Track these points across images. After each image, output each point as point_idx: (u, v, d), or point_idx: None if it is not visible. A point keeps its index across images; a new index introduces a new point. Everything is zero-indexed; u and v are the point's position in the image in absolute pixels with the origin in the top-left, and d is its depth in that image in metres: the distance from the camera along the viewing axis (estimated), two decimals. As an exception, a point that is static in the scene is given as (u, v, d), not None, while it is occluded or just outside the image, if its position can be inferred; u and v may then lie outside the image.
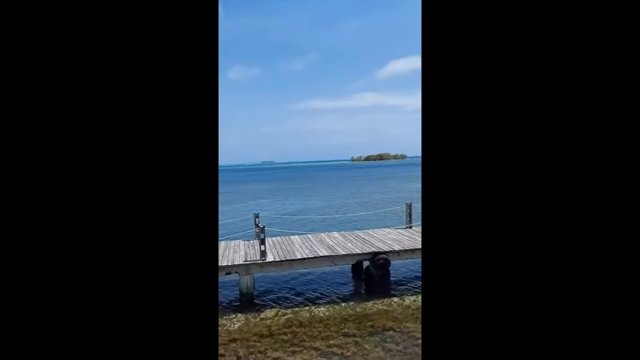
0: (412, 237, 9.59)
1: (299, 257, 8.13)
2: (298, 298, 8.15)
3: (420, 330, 6.30)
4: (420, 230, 10.41)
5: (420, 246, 8.63)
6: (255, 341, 6.10)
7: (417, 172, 65.41)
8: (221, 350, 5.80)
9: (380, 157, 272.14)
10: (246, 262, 7.89)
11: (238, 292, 8.04)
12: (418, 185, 36.57)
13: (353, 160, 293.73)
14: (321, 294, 8.37)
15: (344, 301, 7.83)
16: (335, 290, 8.57)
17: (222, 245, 9.46)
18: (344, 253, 8.31)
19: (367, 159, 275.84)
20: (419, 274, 9.49)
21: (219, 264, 7.80)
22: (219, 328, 6.63)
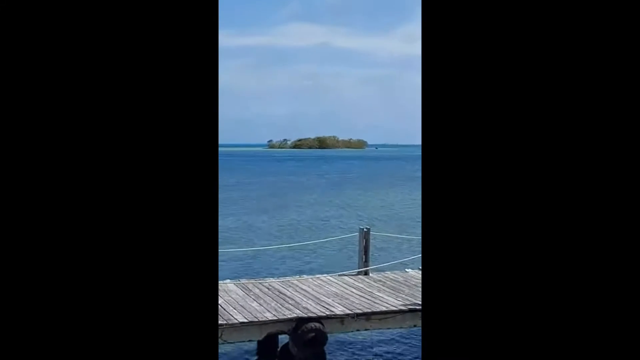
0: (367, 291, 6.52)
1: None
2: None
3: None
4: (383, 278, 7.86)
5: (382, 309, 6.24)
6: None
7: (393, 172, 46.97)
8: None
9: (321, 144, 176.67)
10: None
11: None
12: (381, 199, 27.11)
13: (270, 147, 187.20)
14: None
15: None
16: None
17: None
18: (242, 320, 5.36)
19: (297, 145, 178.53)
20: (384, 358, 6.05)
21: None
22: None
